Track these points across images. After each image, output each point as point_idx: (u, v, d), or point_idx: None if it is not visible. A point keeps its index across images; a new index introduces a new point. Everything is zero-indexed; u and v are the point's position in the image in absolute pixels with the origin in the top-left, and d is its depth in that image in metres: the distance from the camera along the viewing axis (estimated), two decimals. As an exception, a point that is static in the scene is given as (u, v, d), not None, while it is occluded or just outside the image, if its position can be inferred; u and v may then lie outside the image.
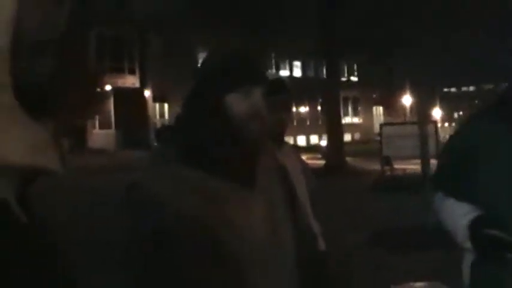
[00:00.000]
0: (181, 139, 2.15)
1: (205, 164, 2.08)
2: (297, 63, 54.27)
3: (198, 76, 2.22)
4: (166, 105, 44.05)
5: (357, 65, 58.84)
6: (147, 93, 41.07)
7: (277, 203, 2.24)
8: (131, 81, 40.76)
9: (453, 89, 53.06)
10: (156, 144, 2.36)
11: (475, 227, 2.67)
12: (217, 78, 2.15)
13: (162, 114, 44.26)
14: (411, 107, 47.58)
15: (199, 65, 2.30)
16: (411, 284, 6.18)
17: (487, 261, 2.72)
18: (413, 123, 20.25)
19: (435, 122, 20.28)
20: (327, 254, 3.46)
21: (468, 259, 2.85)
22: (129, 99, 38.76)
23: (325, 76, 31.60)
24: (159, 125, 42.33)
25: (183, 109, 2.23)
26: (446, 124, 54.93)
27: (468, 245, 2.72)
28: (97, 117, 37.39)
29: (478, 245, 2.67)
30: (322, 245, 3.49)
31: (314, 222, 3.53)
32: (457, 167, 2.87)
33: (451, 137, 3.12)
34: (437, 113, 35.92)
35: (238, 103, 2.12)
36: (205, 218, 2.01)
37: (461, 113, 65.44)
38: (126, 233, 2.09)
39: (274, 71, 49.18)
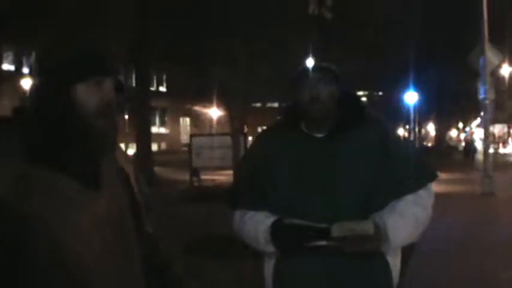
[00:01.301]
0: (25, 133, 1.98)
1: (50, 161, 1.96)
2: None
3: (41, 67, 2.07)
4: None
5: (166, 75, 59.01)
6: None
7: (122, 205, 2.16)
8: None
9: (258, 104, 54.63)
10: None
11: (275, 224, 2.95)
12: (66, 68, 2.01)
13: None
14: (218, 119, 48.39)
15: (40, 57, 2.12)
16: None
17: (288, 259, 2.99)
18: (223, 134, 20.61)
19: (245, 134, 20.77)
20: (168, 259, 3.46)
21: (270, 264, 3.10)
22: None
23: (134, 84, 31.38)
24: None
25: (27, 101, 2.07)
26: (250, 137, 56.36)
27: (270, 247, 2.99)
28: None
29: (280, 240, 2.93)
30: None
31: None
32: (252, 179, 3.12)
33: (243, 155, 3.35)
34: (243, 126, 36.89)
35: (88, 94, 2.01)
36: (49, 219, 1.90)
37: (264, 127, 67.53)
38: None
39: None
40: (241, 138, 16.61)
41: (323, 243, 2.85)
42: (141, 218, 2.32)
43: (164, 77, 60.08)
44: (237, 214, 3.16)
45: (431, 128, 70.46)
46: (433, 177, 3.16)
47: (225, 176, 19.89)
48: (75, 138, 2.01)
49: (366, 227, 2.83)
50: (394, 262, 3.07)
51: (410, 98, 41.58)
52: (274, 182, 3.02)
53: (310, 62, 3.11)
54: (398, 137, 3.43)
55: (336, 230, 2.81)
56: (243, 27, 25.09)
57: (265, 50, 30.24)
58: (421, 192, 3.05)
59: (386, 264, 3.02)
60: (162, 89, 61.18)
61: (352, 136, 3.04)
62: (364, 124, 3.09)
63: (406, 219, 2.96)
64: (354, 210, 2.92)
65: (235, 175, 3.42)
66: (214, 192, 17.69)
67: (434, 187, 3.17)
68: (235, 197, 3.25)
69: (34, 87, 2.07)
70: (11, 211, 1.88)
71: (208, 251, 9.66)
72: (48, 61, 2.09)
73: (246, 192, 3.15)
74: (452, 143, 72.80)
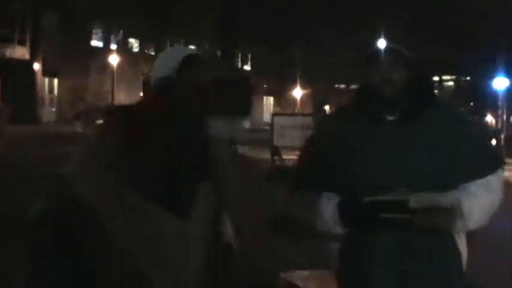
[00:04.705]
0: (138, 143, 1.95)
1: (150, 183, 1.94)
2: (192, 48, 54.05)
3: (186, 89, 2.03)
4: (56, 81, 42.96)
5: (251, 54, 59.25)
6: (37, 66, 39.91)
7: (207, 229, 2.11)
8: (21, 52, 39.50)
9: (342, 85, 54.20)
10: (103, 123, 2.02)
11: (342, 202, 2.96)
12: (209, 99, 2.00)
13: (51, 90, 43.11)
14: (301, 100, 48.28)
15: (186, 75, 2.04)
16: (299, 271, 6.32)
17: (356, 237, 2.98)
18: (304, 114, 20.58)
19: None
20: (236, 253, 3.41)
21: (335, 247, 3.10)
22: (17, 72, 37.52)
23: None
24: (47, 99, 41.10)
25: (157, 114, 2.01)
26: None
27: (338, 229, 2.99)
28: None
29: (350, 216, 2.93)
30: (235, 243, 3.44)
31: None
32: (319, 162, 3.10)
33: (310, 137, 3.35)
34: (326, 107, 36.51)
35: (220, 127, 1.99)
36: (136, 251, 1.90)
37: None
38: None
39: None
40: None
41: (399, 216, 2.81)
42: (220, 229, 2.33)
43: (249, 55, 60.34)
44: (300, 196, 3.17)
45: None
46: (501, 163, 3.21)
47: (305, 157, 19.83)
48: (191, 161, 1.99)
49: (444, 199, 2.84)
50: (463, 247, 3.07)
51: (500, 83, 40.36)
52: (344, 164, 3.00)
53: (381, 44, 3.10)
54: (469, 122, 3.44)
55: (414, 201, 2.79)
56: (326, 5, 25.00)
57: (346, 31, 30.11)
58: (492, 177, 3.07)
59: (457, 247, 3.03)
60: (247, 67, 61.47)
61: (424, 119, 3.03)
62: (435, 108, 3.09)
63: (479, 201, 2.97)
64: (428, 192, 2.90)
65: (300, 157, 3.38)
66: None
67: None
68: (299, 179, 3.26)
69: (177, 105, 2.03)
70: (98, 230, 1.87)
71: (282, 230, 9.69)
72: (193, 83, 2.05)
73: (311, 174, 3.14)
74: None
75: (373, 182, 2.93)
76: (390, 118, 3.04)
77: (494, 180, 3.08)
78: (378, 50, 3.07)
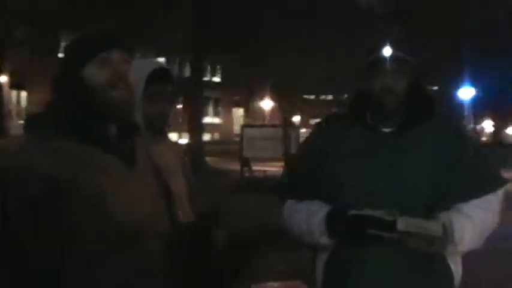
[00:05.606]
0: (52, 120, 2.11)
1: (78, 138, 2.08)
2: (161, 60, 53.83)
3: (62, 59, 2.23)
4: (24, 93, 42.54)
5: (221, 66, 59.14)
6: (4, 79, 39.45)
7: (152, 188, 2.23)
8: (-13, 65, 39.02)
9: (312, 96, 54.32)
10: (25, 131, 2.23)
11: (331, 213, 2.84)
12: (74, 53, 2.17)
13: (18, 102, 42.68)
14: (271, 111, 48.30)
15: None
16: (271, 283, 6.31)
17: (342, 250, 2.86)
18: (274, 126, 20.59)
19: (296, 127, 20.69)
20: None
21: (322, 257, 2.98)
22: (-16, 84, 37.03)
23: (188, 75, 31.57)
24: (15, 112, 40.74)
25: (52, 93, 2.20)
26: (304, 130, 55.98)
27: (324, 240, 2.87)
28: None
29: (339, 229, 2.80)
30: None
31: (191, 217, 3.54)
32: (309, 170, 2.98)
33: (300, 145, 3.26)
34: (296, 118, 36.50)
35: (96, 72, 2.11)
36: (85, 186, 2.00)
37: (318, 120, 66.84)
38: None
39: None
40: (293, 130, 16.57)
41: (386, 234, 2.68)
42: (173, 207, 2.40)
43: (218, 67, 60.21)
44: (288, 205, 3.05)
45: (487, 125, 68.86)
46: (503, 184, 2.99)
47: (276, 168, 19.85)
48: (93, 114, 2.12)
49: (435, 227, 2.69)
50: (456, 269, 2.94)
51: (465, 93, 40.71)
52: (335, 175, 2.89)
53: (386, 51, 2.86)
54: (470, 137, 3.20)
55: (402, 224, 2.66)
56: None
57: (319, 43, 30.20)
58: (490, 197, 2.91)
59: (447, 266, 2.89)
60: (216, 79, 61.32)
61: (421, 131, 2.90)
62: (434, 120, 2.96)
63: (473, 224, 2.83)
64: (419, 208, 2.78)
65: (287, 165, 3.33)
66: (265, 183, 17.69)
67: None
68: (286, 187, 3.15)
69: (55, 75, 2.21)
70: (47, 183, 1.97)
71: (251, 242, 9.63)
72: (64, 51, 2.29)
73: (300, 183, 3.02)
74: (507, 141, 70.08)
75: (364, 194, 2.83)
76: (386, 130, 2.92)
77: (493, 201, 2.93)
78: (382, 57, 2.86)
